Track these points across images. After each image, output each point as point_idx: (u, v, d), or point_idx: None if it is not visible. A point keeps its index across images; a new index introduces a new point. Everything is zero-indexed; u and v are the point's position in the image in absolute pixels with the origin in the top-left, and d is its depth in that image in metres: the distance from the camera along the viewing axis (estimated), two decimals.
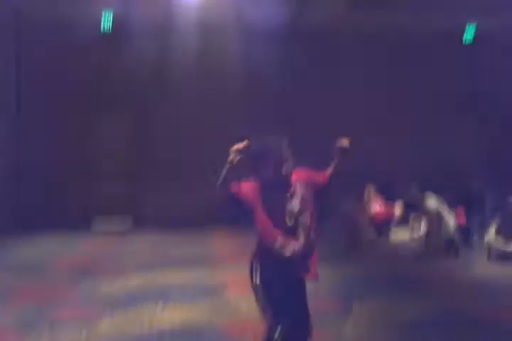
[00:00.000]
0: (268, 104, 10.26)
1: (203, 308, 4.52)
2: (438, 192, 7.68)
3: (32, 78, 10.53)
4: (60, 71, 10.42)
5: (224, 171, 2.90)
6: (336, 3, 9.91)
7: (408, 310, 4.42)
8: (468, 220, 7.75)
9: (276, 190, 2.89)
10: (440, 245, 7.15)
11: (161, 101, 10.81)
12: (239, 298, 4.75)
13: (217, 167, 3.06)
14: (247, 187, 2.94)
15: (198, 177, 8.56)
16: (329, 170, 2.96)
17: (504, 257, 6.55)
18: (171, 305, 4.64)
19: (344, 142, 2.88)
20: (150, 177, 11.27)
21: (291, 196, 2.89)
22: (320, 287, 5.19)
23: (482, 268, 6.24)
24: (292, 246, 2.83)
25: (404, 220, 8.68)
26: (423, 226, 7.49)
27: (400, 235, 8.91)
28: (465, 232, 7.60)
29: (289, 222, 2.85)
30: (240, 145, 2.87)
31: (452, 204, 7.97)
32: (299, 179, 2.96)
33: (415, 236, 7.83)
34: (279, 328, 2.80)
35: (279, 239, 2.83)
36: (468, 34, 10.34)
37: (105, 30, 10.18)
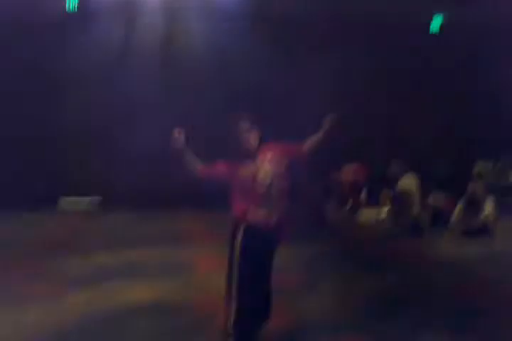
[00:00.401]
0: (232, 89, 10.21)
1: (172, 285, 4.55)
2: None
3: None
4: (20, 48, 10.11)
5: (185, 158, 3.14)
6: None
7: (373, 287, 4.53)
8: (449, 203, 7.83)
9: (246, 161, 3.08)
10: (406, 224, 7.31)
11: (124, 81, 10.59)
12: (208, 274, 4.80)
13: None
14: (222, 165, 3.13)
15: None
16: (309, 142, 3.13)
17: (467, 234, 6.82)
18: (140, 282, 4.65)
19: (334, 118, 3.07)
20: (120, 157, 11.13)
21: (261, 166, 3.04)
22: (286, 262, 5.32)
23: (447, 246, 6.43)
24: (263, 214, 2.96)
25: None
26: (392, 205, 7.64)
27: (369, 213, 9.10)
28: (439, 214, 7.74)
29: (261, 189, 2.98)
30: (174, 135, 3.11)
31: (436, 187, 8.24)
32: (272, 150, 3.12)
33: (382, 215, 7.99)
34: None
35: (251, 209, 2.96)
36: (435, 23, 10.83)
37: (71, 9, 9.98)
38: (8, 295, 4.23)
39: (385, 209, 8.14)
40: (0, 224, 8.04)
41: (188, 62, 10.61)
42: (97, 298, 4.15)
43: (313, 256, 5.85)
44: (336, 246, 6.50)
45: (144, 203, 9.87)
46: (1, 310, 3.84)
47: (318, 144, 3.13)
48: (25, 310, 3.84)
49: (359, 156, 9.36)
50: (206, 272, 4.93)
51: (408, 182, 7.41)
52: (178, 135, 3.11)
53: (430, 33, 10.85)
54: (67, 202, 10.56)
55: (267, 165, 3.04)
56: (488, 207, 7.01)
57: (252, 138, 3.09)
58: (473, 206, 7.09)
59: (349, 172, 9.03)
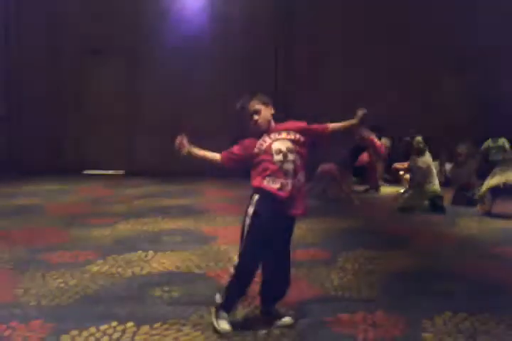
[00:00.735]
0: None
1: (192, 255, 4.63)
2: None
3: None
4: None
5: (200, 157, 3.17)
6: None
7: (397, 264, 4.53)
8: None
9: (261, 138, 3.10)
10: (424, 201, 7.23)
11: None
12: (228, 246, 4.86)
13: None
14: (238, 148, 3.14)
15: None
16: (335, 126, 3.13)
17: None
18: (162, 250, 4.74)
19: (364, 111, 3.07)
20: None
21: (276, 141, 3.05)
22: (307, 237, 5.36)
23: (470, 224, 6.37)
24: (277, 187, 2.98)
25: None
26: (411, 180, 7.57)
27: (388, 189, 9.07)
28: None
29: (275, 165, 3.01)
30: (177, 141, 3.14)
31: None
32: (289, 127, 3.13)
33: (402, 190, 7.93)
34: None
35: (266, 181, 2.99)
36: None
37: None
38: (33, 262, 4.36)
39: (405, 185, 8.07)
40: (25, 194, 8.23)
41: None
42: (120, 266, 4.26)
43: (335, 231, 5.87)
44: (360, 222, 6.50)
45: (171, 174, 10.01)
46: (27, 277, 3.95)
47: (344, 131, 3.13)
48: (50, 276, 3.96)
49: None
50: (225, 244, 5.00)
51: (425, 159, 7.31)
52: (181, 141, 3.13)
53: None
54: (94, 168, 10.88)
55: (281, 141, 3.05)
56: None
57: (265, 114, 3.10)
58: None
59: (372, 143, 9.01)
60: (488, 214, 6.82)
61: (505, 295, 3.71)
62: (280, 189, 2.98)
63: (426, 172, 7.22)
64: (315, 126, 3.17)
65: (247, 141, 3.14)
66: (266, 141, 3.07)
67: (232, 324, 3.01)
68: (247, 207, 3.02)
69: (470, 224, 6.36)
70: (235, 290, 3.05)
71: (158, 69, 11.13)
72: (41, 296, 3.51)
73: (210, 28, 11.03)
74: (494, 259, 4.74)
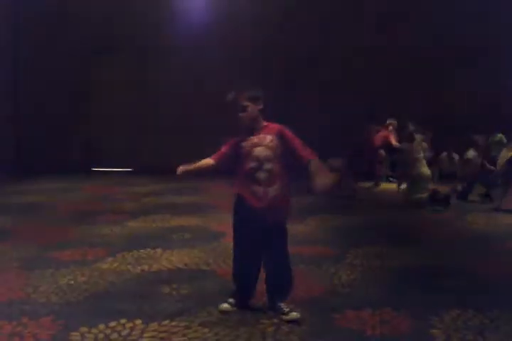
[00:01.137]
0: None
1: (201, 252, 4.65)
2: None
3: None
4: None
5: (195, 171, 3.20)
6: None
7: (406, 260, 4.51)
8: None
9: (245, 138, 3.13)
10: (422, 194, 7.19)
11: None
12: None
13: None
14: (225, 148, 3.18)
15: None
16: (312, 165, 3.01)
17: None
18: (170, 248, 4.77)
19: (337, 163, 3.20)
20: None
21: (258, 142, 3.08)
22: (316, 234, 5.35)
23: (480, 218, 6.33)
24: (256, 192, 3.06)
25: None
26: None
27: (390, 184, 9.05)
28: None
29: (254, 169, 3.06)
30: (181, 170, 3.16)
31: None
32: (274, 132, 3.11)
33: (404, 185, 7.91)
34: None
35: (245, 185, 3.09)
36: None
37: None
38: (43, 259, 4.40)
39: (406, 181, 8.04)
40: (34, 191, 8.29)
41: None
42: (130, 262, 4.28)
43: (343, 228, 5.86)
44: (367, 218, 6.49)
45: (175, 176, 9.98)
46: (37, 274, 3.98)
47: (313, 176, 3.01)
48: (59, 273, 3.99)
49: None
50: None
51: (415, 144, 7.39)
52: (182, 169, 3.16)
53: None
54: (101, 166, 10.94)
55: (262, 148, 3.07)
56: None
57: (250, 111, 3.09)
58: None
59: (378, 137, 9.02)
60: (499, 209, 6.79)
61: None
62: (254, 196, 3.04)
63: (413, 157, 7.27)
64: (300, 150, 3.06)
65: (232, 140, 3.17)
66: (247, 145, 3.08)
67: (242, 321, 3.04)
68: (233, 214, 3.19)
69: (480, 219, 6.32)
70: (236, 285, 3.28)
71: (169, 69, 11.13)
72: (51, 293, 3.54)
73: (218, 27, 11.03)
74: (505, 255, 4.71)
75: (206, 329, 2.95)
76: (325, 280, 3.86)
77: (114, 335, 2.88)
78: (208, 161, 3.19)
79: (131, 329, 2.97)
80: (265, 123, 3.16)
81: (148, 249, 4.72)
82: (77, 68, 11.27)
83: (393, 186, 8.89)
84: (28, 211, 6.64)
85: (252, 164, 3.05)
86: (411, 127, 7.66)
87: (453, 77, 10.72)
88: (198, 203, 7.32)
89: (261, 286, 3.28)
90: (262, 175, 3.04)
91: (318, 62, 10.99)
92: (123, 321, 3.06)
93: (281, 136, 3.09)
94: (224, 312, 3.17)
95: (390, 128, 9.35)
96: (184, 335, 2.88)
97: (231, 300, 3.25)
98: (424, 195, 7.14)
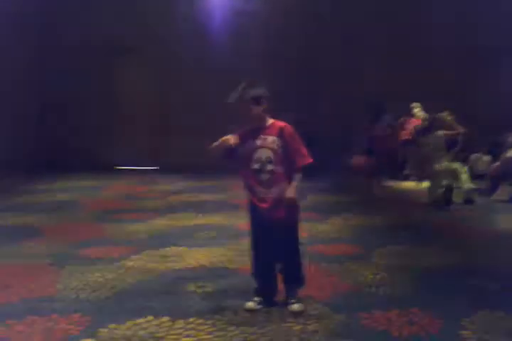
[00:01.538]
0: None
1: (226, 250, 4.67)
2: None
3: None
4: None
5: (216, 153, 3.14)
6: None
7: (430, 260, 4.46)
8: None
9: (249, 135, 3.12)
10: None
11: None
12: None
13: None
14: (237, 138, 3.12)
15: None
16: (295, 177, 3.11)
17: None
18: (196, 246, 4.80)
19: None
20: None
21: (261, 144, 3.08)
22: (341, 232, 5.33)
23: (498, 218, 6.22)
24: (259, 192, 3.12)
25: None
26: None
27: (410, 184, 8.91)
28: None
29: (255, 170, 3.09)
30: (225, 141, 3.06)
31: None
32: (276, 132, 3.08)
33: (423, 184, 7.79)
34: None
35: (250, 184, 3.13)
36: None
37: None
38: (71, 256, 4.48)
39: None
40: (62, 190, 8.43)
41: None
42: (156, 261, 4.32)
43: (367, 227, 5.82)
44: (390, 217, 6.43)
45: (200, 171, 10.07)
46: (65, 272, 4.06)
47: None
48: (88, 271, 4.06)
49: None
50: None
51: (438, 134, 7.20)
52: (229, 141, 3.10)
53: None
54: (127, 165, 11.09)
55: (264, 150, 3.08)
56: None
57: (255, 113, 3.07)
58: None
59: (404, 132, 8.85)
60: None
61: None
62: (257, 197, 3.10)
63: (434, 148, 7.07)
64: (294, 153, 3.07)
65: (240, 132, 3.15)
66: (252, 142, 3.08)
67: (268, 319, 3.05)
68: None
69: (505, 218, 6.20)
70: (257, 284, 3.32)
71: (190, 69, 11.19)
72: (80, 290, 3.60)
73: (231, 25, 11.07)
74: None
75: (232, 327, 2.97)
76: (349, 280, 3.84)
77: (142, 332, 2.92)
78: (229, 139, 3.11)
79: (158, 326, 3.00)
80: (271, 121, 3.14)
81: (174, 247, 4.76)
82: (101, 68, 11.41)
83: (415, 184, 8.75)
84: (55, 209, 6.76)
85: (255, 166, 3.08)
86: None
87: (476, 77, 10.51)
88: (221, 201, 7.35)
89: None
90: (264, 177, 3.07)
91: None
92: (150, 318, 3.10)
93: (281, 136, 3.08)
94: (249, 310, 3.19)
95: (417, 110, 8.98)
96: (210, 333, 2.90)
97: (256, 298, 3.27)
98: (445, 191, 7.01)
